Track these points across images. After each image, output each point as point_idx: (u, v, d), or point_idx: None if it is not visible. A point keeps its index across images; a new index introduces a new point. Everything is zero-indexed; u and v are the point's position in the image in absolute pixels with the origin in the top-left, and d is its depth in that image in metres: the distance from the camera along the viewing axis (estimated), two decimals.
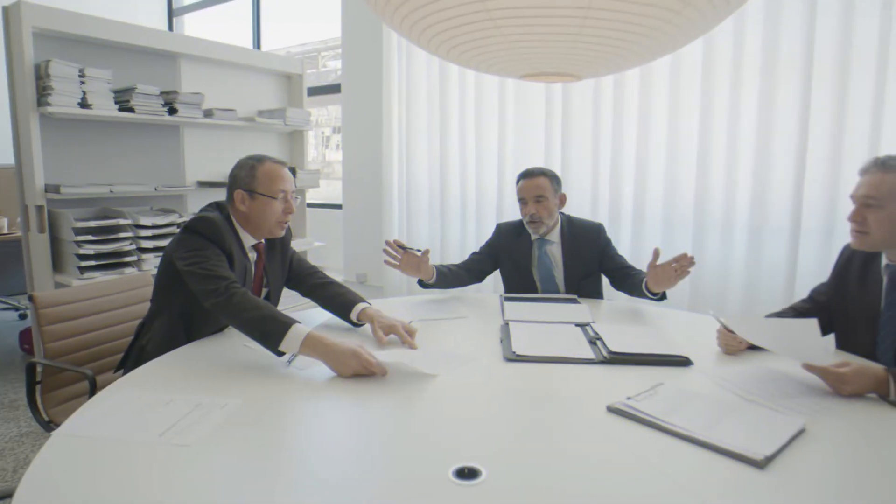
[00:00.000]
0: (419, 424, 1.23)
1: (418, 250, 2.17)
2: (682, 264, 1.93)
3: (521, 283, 2.40)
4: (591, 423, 1.22)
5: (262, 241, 1.89)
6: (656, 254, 1.99)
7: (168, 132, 3.39)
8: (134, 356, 1.79)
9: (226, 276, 1.62)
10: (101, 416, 1.22)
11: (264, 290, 1.94)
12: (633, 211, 3.19)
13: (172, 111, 3.17)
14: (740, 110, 2.82)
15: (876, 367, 1.33)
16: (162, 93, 3.12)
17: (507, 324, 1.89)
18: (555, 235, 2.37)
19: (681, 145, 3.00)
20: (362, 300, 1.92)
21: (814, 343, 1.37)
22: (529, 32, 1.36)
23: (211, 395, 1.32)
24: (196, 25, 5.82)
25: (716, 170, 2.91)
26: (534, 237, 2.38)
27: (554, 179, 2.35)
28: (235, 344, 1.69)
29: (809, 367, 1.35)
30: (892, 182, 1.47)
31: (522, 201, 2.35)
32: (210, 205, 1.85)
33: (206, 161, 3.52)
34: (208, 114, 3.35)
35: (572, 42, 1.38)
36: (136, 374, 1.47)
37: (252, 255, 1.87)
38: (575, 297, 2.26)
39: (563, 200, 2.39)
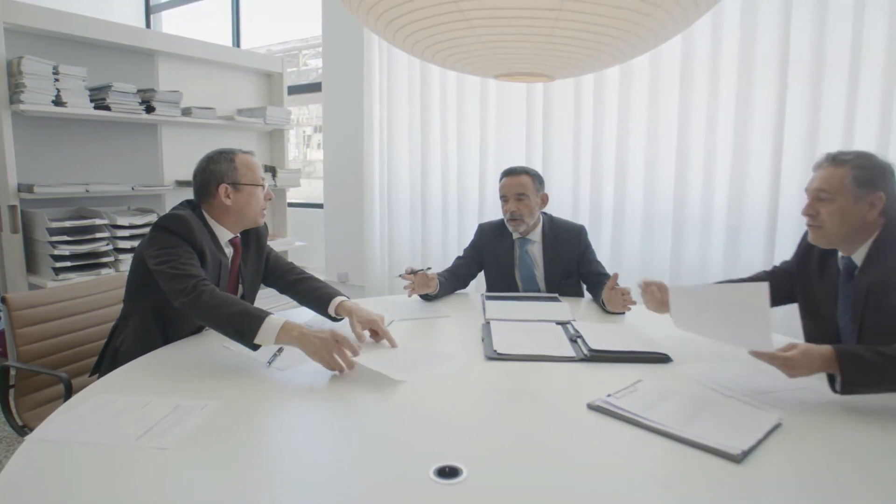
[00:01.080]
0: (400, 424, 1.23)
1: (428, 269, 2.18)
2: (626, 299, 2.00)
3: (503, 283, 2.41)
4: (571, 421, 1.23)
5: (238, 235, 1.88)
6: (615, 278, 2.03)
7: (145, 131, 3.34)
8: (108, 359, 1.76)
9: (195, 275, 1.59)
10: (76, 419, 1.20)
11: (240, 288, 1.92)
12: (613, 210, 3.21)
13: (150, 109, 3.12)
14: (718, 110, 2.86)
15: (822, 348, 1.32)
16: (139, 91, 3.07)
17: (488, 323, 1.89)
18: (536, 235, 2.38)
19: (660, 145, 3.03)
20: (340, 294, 1.90)
21: (758, 318, 1.36)
22: (502, 33, 1.37)
23: (189, 397, 1.30)
24: (174, 22, 5.75)
25: (694, 169, 2.95)
26: (515, 236, 2.39)
27: (537, 178, 2.37)
28: (214, 345, 1.68)
29: (757, 355, 1.36)
30: (842, 176, 1.49)
31: (504, 198, 2.36)
32: (182, 203, 1.83)
33: (185, 160, 3.47)
34: (187, 112, 3.31)
35: (544, 43, 1.39)
36: (112, 376, 1.45)
37: (228, 251, 1.85)
38: (556, 295, 2.28)
39: (544, 200, 2.40)
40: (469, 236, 2.58)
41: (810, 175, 1.58)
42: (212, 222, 1.80)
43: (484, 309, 2.06)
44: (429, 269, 2.18)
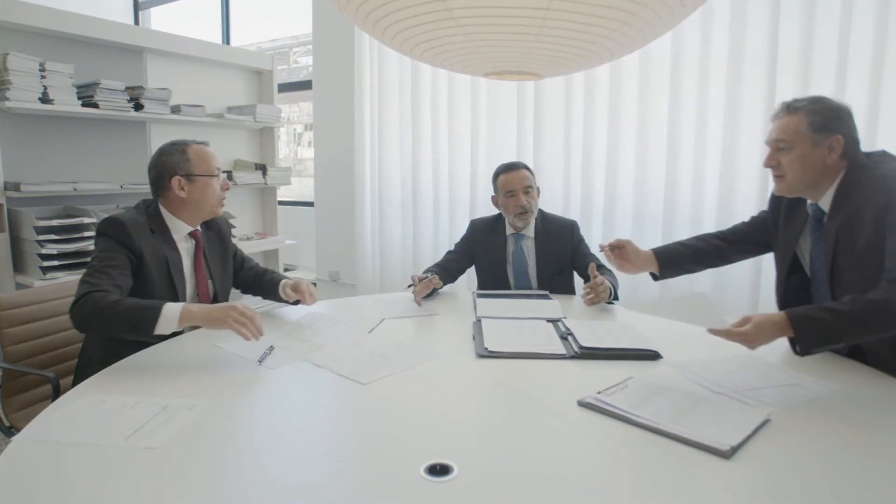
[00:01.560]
0: (391, 422, 1.23)
1: (432, 274, 2.20)
2: (598, 291, 2.06)
3: (494, 279, 2.41)
4: (562, 418, 1.23)
5: (199, 228, 1.88)
6: (592, 269, 2.09)
7: (134, 128, 3.31)
8: (81, 371, 1.73)
9: (93, 283, 1.55)
10: (63, 420, 1.19)
11: (210, 284, 1.91)
12: (603, 207, 3.22)
13: (138, 107, 3.10)
14: (708, 109, 2.87)
15: (774, 316, 1.35)
16: (127, 88, 3.05)
17: (479, 320, 1.89)
18: (530, 231, 2.39)
19: (650, 143, 3.04)
20: (284, 278, 2.03)
21: (709, 312, 1.42)
22: (490, 31, 1.37)
23: (178, 397, 1.29)
24: (163, 19, 5.70)
25: (684, 167, 2.96)
26: (509, 232, 2.40)
27: (531, 172, 2.40)
28: (203, 344, 1.67)
29: (714, 332, 1.38)
30: (797, 123, 1.49)
31: (511, 193, 2.34)
32: (138, 203, 1.83)
33: None
34: (175, 110, 3.28)
35: (533, 42, 1.39)
36: (100, 376, 1.44)
37: (188, 245, 1.85)
38: (546, 293, 2.28)
39: (539, 193, 2.42)
40: (460, 234, 2.58)
41: None
42: (168, 216, 1.80)
43: (475, 307, 2.06)
44: (432, 274, 2.20)
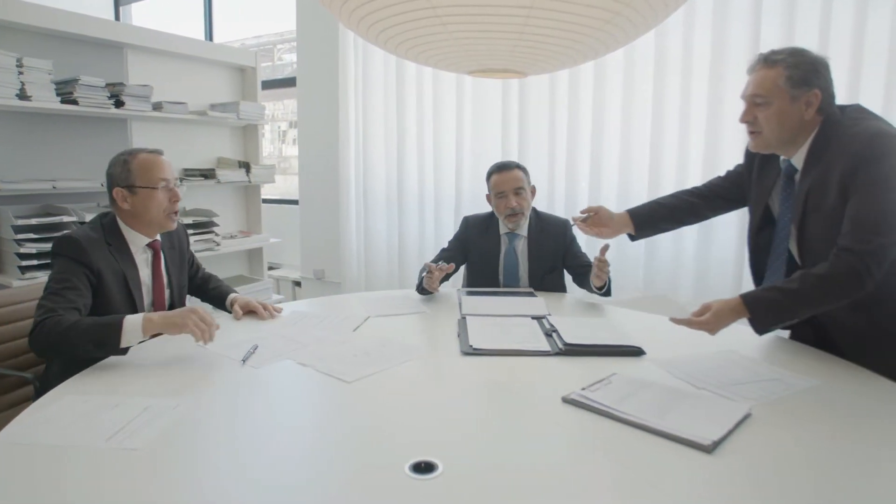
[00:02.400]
0: (376, 420, 1.23)
1: (442, 262, 2.16)
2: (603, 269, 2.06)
3: (485, 277, 2.41)
4: (546, 415, 1.24)
5: (158, 237, 1.85)
6: (604, 250, 2.05)
7: (115, 126, 3.26)
8: (45, 381, 1.68)
9: (49, 307, 1.52)
10: (43, 421, 1.17)
11: (167, 292, 1.89)
12: (587, 205, 3.23)
13: (119, 104, 3.05)
14: (691, 107, 2.89)
15: (730, 301, 1.40)
16: (108, 85, 3.00)
17: (464, 318, 1.89)
18: (523, 230, 2.38)
19: (634, 141, 3.06)
20: (233, 291, 2.06)
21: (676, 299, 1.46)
22: (474, 29, 1.38)
23: (161, 397, 1.28)
24: (144, 15, 5.63)
25: (667, 165, 2.99)
26: (503, 230, 2.39)
27: (526, 172, 2.38)
28: (186, 343, 1.65)
29: (676, 321, 1.43)
30: (775, 76, 1.44)
31: (501, 195, 2.33)
32: (98, 215, 1.80)
33: None
34: (157, 107, 3.24)
35: (516, 40, 1.40)
36: (80, 377, 1.42)
37: (146, 255, 1.83)
38: (531, 290, 2.29)
39: (534, 193, 2.41)
40: (445, 232, 2.57)
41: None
42: (124, 227, 1.78)
43: (460, 304, 2.07)
44: (441, 262, 2.17)
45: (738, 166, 1.80)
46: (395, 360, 1.52)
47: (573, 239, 2.41)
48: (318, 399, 1.35)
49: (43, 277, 2.59)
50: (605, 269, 2.05)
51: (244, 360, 1.51)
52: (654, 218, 1.88)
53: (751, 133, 1.54)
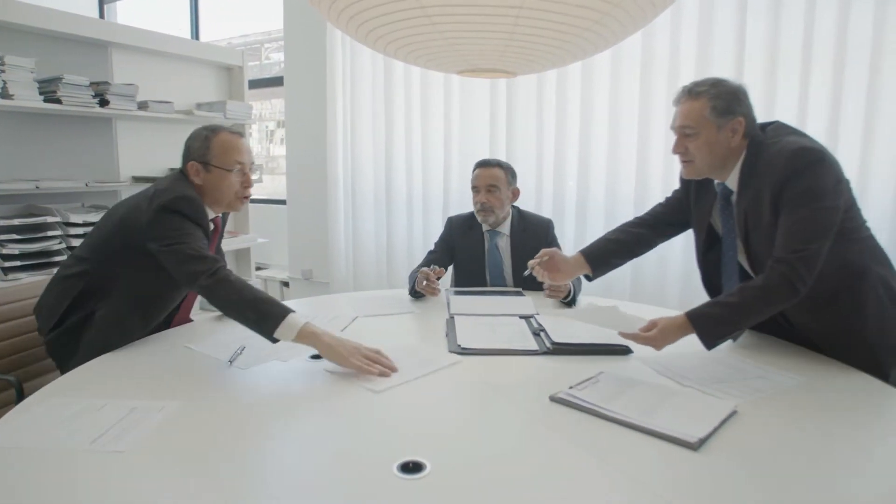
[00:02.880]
0: (363, 420, 1.23)
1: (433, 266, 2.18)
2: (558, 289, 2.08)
3: (472, 275, 2.41)
4: (534, 414, 1.24)
5: (220, 215, 1.84)
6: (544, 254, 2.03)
7: (99, 125, 3.23)
8: (71, 347, 1.66)
9: (214, 258, 1.57)
10: (26, 424, 1.16)
11: None
12: (576, 205, 3.25)
13: (104, 103, 3.02)
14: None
15: (676, 319, 1.44)
16: (92, 83, 2.96)
17: (452, 317, 1.90)
18: (505, 228, 2.40)
19: (622, 140, 3.07)
20: None
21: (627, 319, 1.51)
22: (464, 30, 1.38)
23: (147, 399, 1.27)
24: (129, 13, 5.57)
25: (654, 164, 3.01)
26: (485, 228, 2.40)
27: (510, 172, 2.39)
28: (173, 344, 1.64)
29: (624, 335, 1.47)
30: (700, 108, 1.51)
31: (475, 189, 2.37)
32: (176, 173, 1.75)
33: (142, 155, 3.37)
34: (143, 106, 3.21)
35: (507, 40, 1.41)
36: (64, 379, 1.40)
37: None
38: (520, 289, 2.29)
39: (515, 195, 2.42)
40: (434, 231, 2.58)
41: None
42: None
43: (448, 304, 2.07)
44: (433, 267, 2.18)
45: (676, 192, 1.85)
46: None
47: (554, 239, 2.43)
48: (304, 400, 1.35)
49: (27, 279, 2.57)
50: (560, 289, 2.07)
51: (231, 361, 1.50)
52: (607, 255, 1.87)
53: (683, 162, 1.61)
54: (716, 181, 1.63)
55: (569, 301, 2.12)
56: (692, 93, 1.54)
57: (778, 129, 1.57)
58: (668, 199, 1.87)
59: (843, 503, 0.93)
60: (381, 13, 1.39)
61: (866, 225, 1.56)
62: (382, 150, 3.81)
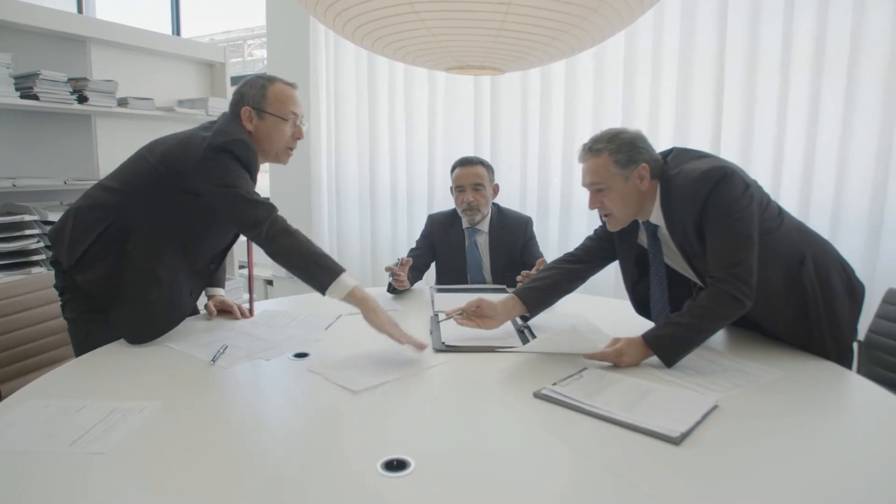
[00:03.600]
0: (347, 418, 1.22)
1: (401, 258, 2.19)
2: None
3: (454, 273, 2.42)
4: (518, 410, 1.25)
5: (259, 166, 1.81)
6: (540, 265, 2.03)
7: (78, 122, 3.18)
8: (105, 288, 1.60)
9: (272, 205, 1.58)
10: (4, 427, 1.14)
11: None
12: (560, 202, 3.27)
13: (82, 99, 2.97)
14: (660, 106, 2.94)
15: (635, 339, 1.47)
16: (70, 80, 2.92)
17: (436, 315, 1.90)
18: (485, 225, 2.41)
19: None
20: (223, 286, 2.02)
21: (589, 335, 1.52)
22: (453, 26, 1.38)
23: (127, 399, 1.26)
24: (109, 8, 5.49)
25: None
26: (465, 225, 2.41)
27: (490, 169, 2.41)
28: (154, 343, 1.62)
29: (590, 356, 1.47)
30: (604, 163, 1.57)
31: (459, 189, 2.37)
32: (228, 118, 1.71)
33: (122, 153, 3.26)
34: (123, 103, 3.17)
35: (495, 36, 1.41)
36: (42, 381, 1.38)
37: None
38: (504, 287, 2.30)
39: (496, 191, 2.43)
40: (418, 228, 2.58)
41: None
42: None
43: (433, 302, 2.07)
44: (400, 258, 2.19)
45: (601, 228, 1.85)
46: (367, 359, 1.51)
47: (532, 237, 2.44)
48: (288, 398, 1.34)
49: (4, 278, 2.52)
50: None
51: (214, 360, 1.49)
52: (542, 297, 1.82)
53: (605, 217, 1.66)
54: (640, 221, 1.67)
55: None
56: (592, 150, 1.60)
57: (676, 156, 1.64)
58: (596, 232, 1.87)
59: (822, 494, 0.94)
60: (370, 9, 1.38)
61: (787, 214, 1.63)
62: (366, 148, 3.80)
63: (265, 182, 4.45)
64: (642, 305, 1.77)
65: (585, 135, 3.09)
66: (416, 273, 2.40)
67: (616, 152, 1.56)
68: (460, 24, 1.38)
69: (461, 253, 2.41)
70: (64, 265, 1.64)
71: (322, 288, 1.54)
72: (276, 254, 1.58)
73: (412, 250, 2.50)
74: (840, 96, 2.58)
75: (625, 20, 1.50)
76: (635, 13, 1.48)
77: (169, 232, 1.65)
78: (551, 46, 1.52)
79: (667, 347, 1.45)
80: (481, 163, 2.39)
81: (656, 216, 1.61)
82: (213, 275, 1.90)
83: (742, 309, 1.46)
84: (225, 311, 1.93)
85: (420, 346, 1.52)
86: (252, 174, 1.65)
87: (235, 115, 1.71)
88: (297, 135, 1.77)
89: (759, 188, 1.59)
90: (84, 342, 1.62)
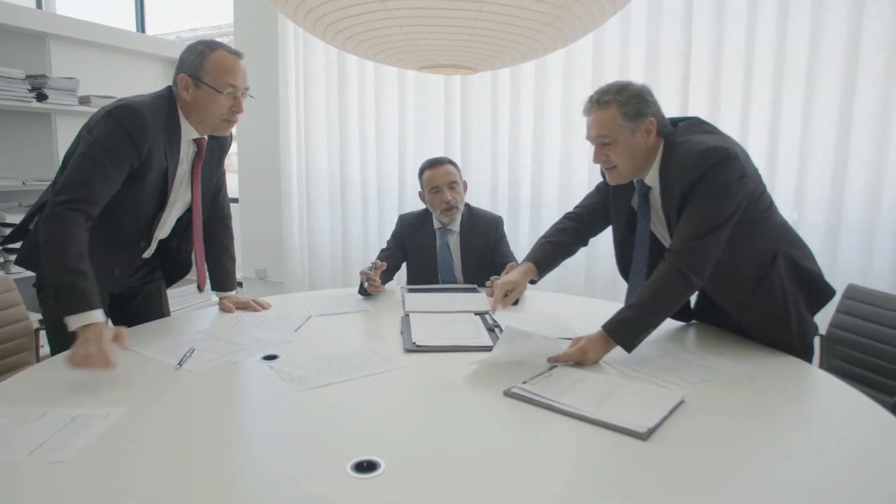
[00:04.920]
0: (317, 420, 1.21)
1: (374, 262, 2.18)
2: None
3: (425, 273, 2.41)
4: (488, 409, 1.25)
5: (206, 137, 1.74)
6: (509, 270, 2.03)
7: (37, 120, 3.09)
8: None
9: (91, 188, 1.47)
10: None
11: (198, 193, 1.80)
12: (530, 200, 3.29)
13: (41, 97, 2.89)
14: None
15: (594, 335, 1.48)
16: (28, 77, 2.84)
17: (407, 315, 1.89)
18: (456, 225, 2.41)
19: (574, 136, 3.13)
20: (232, 289, 2.02)
21: (552, 343, 1.51)
22: (426, 25, 1.37)
23: (90, 406, 1.22)
24: (69, 4, 5.34)
25: None
26: (436, 226, 2.41)
27: (457, 167, 2.41)
28: (117, 347, 1.58)
29: (554, 359, 1.48)
30: (612, 115, 1.54)
31: (435, 190, 2.35)
32: (159, 91, 1.67)
33: None
34: (84, 101, 3.09)
35: (468, 35, 1.41)
36: (0, 388, 1.34)
37: (190, 151, 1.72)
38: (475, 286, 2.31)
39: (465, 187, 2.43)
40: (389, 228, 2.57)
41: None
42: (181, 114, 1.66)
43: (403, 302, 2.06)
44: (375, 262, 2.18)
45: (598, 187, 1.88)
46: (337, 359, 1.50)
47: (503, 236, 2.45)
48: (257, 401, 1.32)
49: None
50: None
51: (180, 364, 1.46)
52: (550, 258, 1.87)
53: (607, 170, 1.64)
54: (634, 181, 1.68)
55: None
56: (600, 102, 1.57)
57: (690, 126, 1.61)
58: (597, 188, 1.88)
59: (787, 486, 0.97)
60: (341, 6, 1.37)
61: (776, 210, 1.64)
62: (336, 147, 3.77)
63: (234, 182, 4.39)
64: (628, 269, 1.77)
65: (555, 134, 3.15)
66: (387, 274, 2.38)
67: (625, 104, 1.54)
68: (434, 23, 1.38)
69: (432, 253, 2.41)
70: (18, 258, 1.66)
71: (68, 310, 1.38)
72: (42, 241, 1.45)
73: (383, 251, 2.48)
74: (800, 94, 2.66)
75: (597, 20, 1.52)
76: (607, 13, 1.50)
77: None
78: (524, 45, 1.53)
79: (624, 332, 1.46)
80: (449, 161, 2.40)
81: (652, 178, 1.60)
82: (145, 255, 1.79)
83: (690, 286, 1.47)
84: (241, 307, 1.96)
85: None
86: (135, 140, 1.53)
87: (175, 83, 1.65)
88: (236, 108, 1.66)
89: (758, 177, 1.59)
90: (60, 343, 1.59)
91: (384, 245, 2.52)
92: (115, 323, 1.67)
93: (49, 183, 1.73)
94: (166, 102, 1.63)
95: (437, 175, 2.35)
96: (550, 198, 3.24)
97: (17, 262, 1.69)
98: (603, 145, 1.58)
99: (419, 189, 2.45)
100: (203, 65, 1.60)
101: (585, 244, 1.91)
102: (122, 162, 1.53)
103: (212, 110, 1.64)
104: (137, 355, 1.52)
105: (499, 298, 1.79)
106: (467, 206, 2.47)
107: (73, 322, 1.38)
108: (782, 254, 1.58)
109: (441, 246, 2.40)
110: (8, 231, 2.69)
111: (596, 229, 1.90)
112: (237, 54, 1.65)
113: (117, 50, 3.41)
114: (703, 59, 2.82)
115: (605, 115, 1.55)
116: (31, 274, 1.71)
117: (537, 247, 1.87)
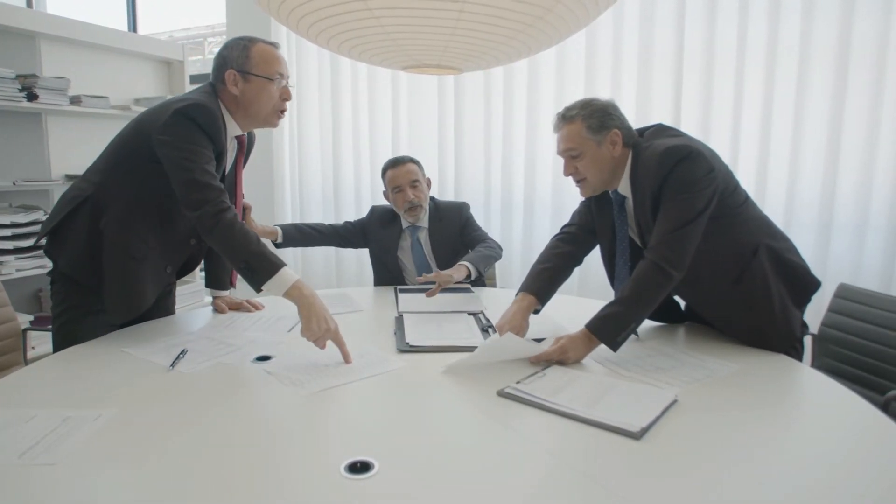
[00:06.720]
0: (311, 421, 1.21)
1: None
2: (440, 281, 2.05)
3: (388, 271, 2.43)
4: (482, 409, 1.25)
5: (245, 134, 1.76)
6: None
7: (28, 120, 3.06)
8: (85, 240, 1.60)
9: (219, 188, 1.52)
10: None
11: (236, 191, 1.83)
12: (524, 200, 3.30)
13: (32, 97, 2.87)
14: (621, 103, 2.96)
15: (577, 333, 1.50)
16: (19, 76, 2.81)
17: (400, 315, 1.89)
18: (424, 221, 2.41)
19: None
20: (227, 288, 2.04)
21: (528, 345, 1.52)
22: (407, 24, 1.38)
23: (81, 408, 1.22)
24: (60, 2, 5.30)
25: None
26: (405, 225, 2.40)
27: (420, 165, 2.41)
28: (109, 349, 1.57)
29: (537, 359, 1.48)
30: (578, 129, 1.61)
31: (398, 189, 2.35)
32: (205, 85, 1.67)
33: (75, 152, 3.22)
34: (75, 101, 3.07)
35: (449, 36, 1.42)
36: None
37: (233, 147, 1.73)
38: (468, 286, 2.30)
39: (429, 185, 2.44)
40: None
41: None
42: (224, 113, 1.66)
43: (397, 302, 2.06)
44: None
45: (576, 216, 1.91)
46: (330, 360, 1.50)
47: (468, 217, 2.45)
48: (250, 402, 1.32)
49: None
50: (441, 281, 2.05)
51: (172, 365, 1.45)
52: (550, 288, 1.83)
53: (578, 183, 1.69)
54: (610, 191, 1.71)
55: (472, 280, 2.14)
56: (566, 117, 1.64)
57: (654, 132, 1.67)
58: (580, 212, 1.89)
59: (780, 484, 0.97)
60: (324, 6, 1.37)
61: (752, 204, 1.66)
62: (330, 149, 3.77)
63: None
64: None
65: (548, 134, 3.15)
66: (333, 239, 2.49)
67: (588, 118, 1.60)
68: (415, 23, 1.39)
69: (395, 250, 2.42)
70: (45, 247, 1.66)
71: (260, 280, 1.48)
72: (212, 238, 1.53)
73: (346, 223, 2.54)
74: (791, 95, 2.68)
75: (581, 21, 1.52)
76: (591, 14, 1.51)
77: (142, 204, 1.63)
78: (508, 46, 1.54)
79: (606, 330, 1.48)
80: (411, 160, 2.40)
81: (624, 187, 1.64)
82: (197, 252, 1.83)
83: (668, 279, 1.49)
84: (234, 308, 1.97)
85: (347, 361, 1.49)
86: (214, 140, 1.58)
87: (219, 81, 1.66)
88: (285, 95, 1.70)
89: (729, 174, 1.62)
90: (67, 338, 1.62)
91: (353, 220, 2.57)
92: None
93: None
94: (215, 100, 1.65)
95: (399, 174, 2.34)
96: (544, 197, 3.25)
97: (47, 253, 1.69)
98: (571, 158, 1.64)
99: (383, 189, 2.46)
100: (249, 57, 1.64)
101: (580, 263, 1.91)
102: (210, 159, 1.58)
103: (263, 101, 1.66)
104: (129, 356, 1.52)
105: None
106: (433, 200, 2.47)
107: (275, 287, 1.48)
108: (764, 246, 1.60)
109: (413, 244, 2.40)
110: (0, 231, 2.68)
111: (588, 247, 1.90)
112: (276, 45, 1.71)
113: (109, 49, 3.39)
114: (695, 58, 2.84)
115: (572, 129, 1.62)
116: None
117: (534, 275, 1.82)
